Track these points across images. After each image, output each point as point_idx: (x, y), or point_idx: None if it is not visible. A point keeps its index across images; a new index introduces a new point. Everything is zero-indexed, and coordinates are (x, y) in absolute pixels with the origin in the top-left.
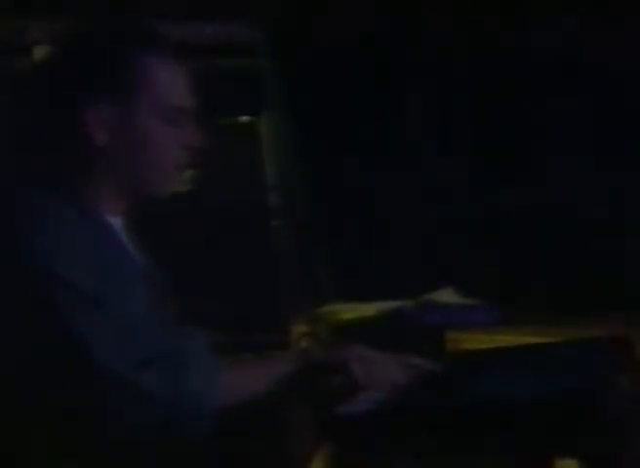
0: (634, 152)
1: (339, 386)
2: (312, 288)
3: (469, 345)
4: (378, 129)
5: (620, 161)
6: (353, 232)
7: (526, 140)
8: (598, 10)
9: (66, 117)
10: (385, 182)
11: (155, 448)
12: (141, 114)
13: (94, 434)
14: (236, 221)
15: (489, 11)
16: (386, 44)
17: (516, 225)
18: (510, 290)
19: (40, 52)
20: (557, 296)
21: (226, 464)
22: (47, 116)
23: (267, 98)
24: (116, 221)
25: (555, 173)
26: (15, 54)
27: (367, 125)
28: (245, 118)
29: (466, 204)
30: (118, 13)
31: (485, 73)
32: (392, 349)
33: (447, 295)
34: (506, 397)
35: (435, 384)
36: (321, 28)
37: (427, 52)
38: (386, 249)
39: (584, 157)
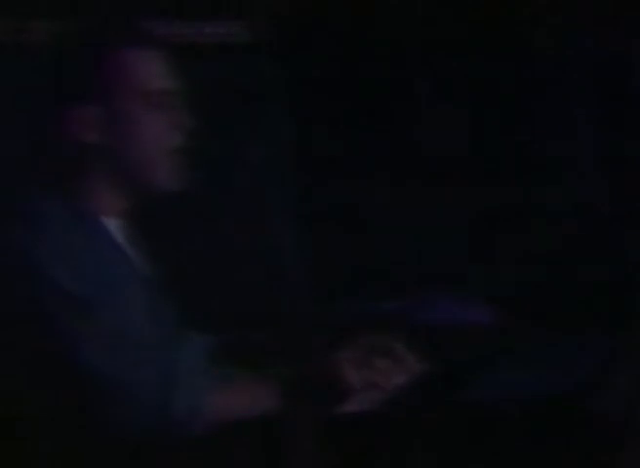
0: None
1: (338, 387)
2: (312, 288)
3: (469, 345)
4: (378, 128)
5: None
6: (353, 232)
7: (527, 139)
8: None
9: (53, 118)
10: (386, 182)
11: (147, 450)
12: (126, 104)
13: (83, 436)
14: (236, 221)
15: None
16: (387, 43)
17: (516, 225)
18: (511, 290)
19: (40, 52)
20: (557, 296)
21: (226, 464)
22: (35, 117)
23: (267, 98)
24: (113, 223)
25: (556, 172)
26: (15, 54)
27: (368, 124)
28: (245, 117)
29: (466, 203)
30: (118, 13)
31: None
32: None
33: (445, 296)
34: (506, 397)
35: (434, 384)
36: (321, 28)
37: (429, 50)
38: (386, 248)
39: (586, 156)
